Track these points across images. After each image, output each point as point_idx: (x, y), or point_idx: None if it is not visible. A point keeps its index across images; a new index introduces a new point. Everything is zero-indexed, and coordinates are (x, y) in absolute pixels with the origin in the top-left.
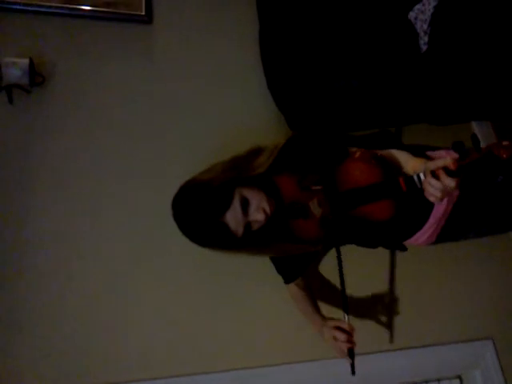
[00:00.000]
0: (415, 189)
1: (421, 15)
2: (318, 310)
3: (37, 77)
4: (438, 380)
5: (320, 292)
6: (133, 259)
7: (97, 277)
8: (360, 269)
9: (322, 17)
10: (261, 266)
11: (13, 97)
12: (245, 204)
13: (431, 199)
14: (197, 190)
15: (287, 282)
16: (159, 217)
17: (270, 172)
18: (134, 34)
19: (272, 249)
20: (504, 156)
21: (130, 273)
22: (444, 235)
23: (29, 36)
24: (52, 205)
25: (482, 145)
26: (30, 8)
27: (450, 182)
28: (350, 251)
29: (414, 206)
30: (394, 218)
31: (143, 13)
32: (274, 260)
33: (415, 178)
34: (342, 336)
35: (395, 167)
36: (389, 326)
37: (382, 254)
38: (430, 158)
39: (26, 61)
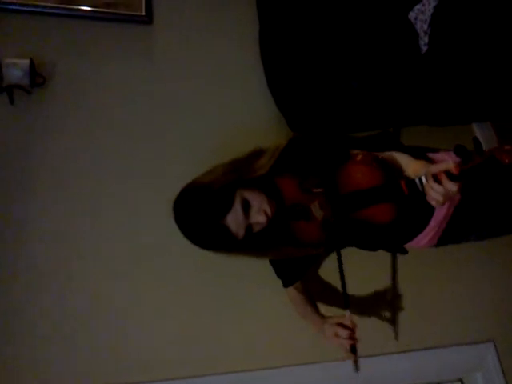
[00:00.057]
0: (417, 192)
1: (421, 15)
2: (317, 310)
3: (37, 77)
4: (439, 383)
5: (320, 295)
6: (133, 259)
7: (97, 277)
8: (361, 271)
9: (322, 17)
10: (261, 268)
11: (14, 97)
12: (246, 206)
13: (433, 203)
14: (198, 193)
15: (286, 285)
16: (159, 217)
17: (271, 174)
18: (134, 35)
19: (273, 251)
20: (506, 161)
21: (130, 273)
22: (445, 238)
23: (29, 37)
24: (52, 205)
25: (484, 147)
26: (26, 8)
27: (452, 187)
28: (350, 254)
29: (415, 209)
30: (395, 221)
31: (143, 13)
32: (273, 263)
33: (417, 181)
34: (344, 332)
35: (396, 170)
36: (390, 328)
37: (384, 256)
38: (430, 160)
39: (26, 61)
